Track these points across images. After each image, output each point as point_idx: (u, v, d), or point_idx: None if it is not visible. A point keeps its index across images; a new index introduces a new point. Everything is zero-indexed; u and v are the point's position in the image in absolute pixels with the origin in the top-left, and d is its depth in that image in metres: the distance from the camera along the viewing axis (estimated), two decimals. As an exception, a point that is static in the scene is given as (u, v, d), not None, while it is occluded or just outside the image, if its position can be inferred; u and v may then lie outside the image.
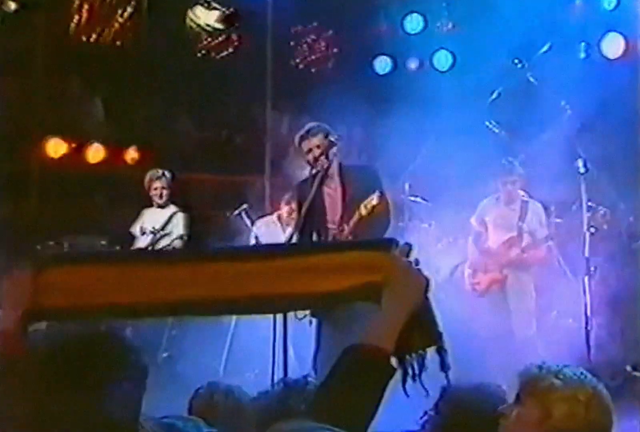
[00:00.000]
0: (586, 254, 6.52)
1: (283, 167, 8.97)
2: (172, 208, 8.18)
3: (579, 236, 6.70)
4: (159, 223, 8.06)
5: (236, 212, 8.41)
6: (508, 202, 7.60)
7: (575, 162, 6.72)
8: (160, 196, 8.15)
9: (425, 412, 2.91)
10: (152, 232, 7.95)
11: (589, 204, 6.95)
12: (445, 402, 2.87)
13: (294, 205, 7.86)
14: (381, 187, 6.00)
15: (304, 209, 5.85)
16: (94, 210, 9.13)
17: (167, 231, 7.99)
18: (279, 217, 8.22)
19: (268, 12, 10.00)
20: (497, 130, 8.82)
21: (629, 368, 6.96)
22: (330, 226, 6.11)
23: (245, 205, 8.43)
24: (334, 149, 6.03)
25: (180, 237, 7.98)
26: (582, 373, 2.46)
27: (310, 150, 6.00)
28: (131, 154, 9.49)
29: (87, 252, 2.32)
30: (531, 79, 8.64)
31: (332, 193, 6.15)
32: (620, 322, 7.15)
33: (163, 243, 7.94)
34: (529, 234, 7.43)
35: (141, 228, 8.11)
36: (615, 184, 7.32)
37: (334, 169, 6.12)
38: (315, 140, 6.00)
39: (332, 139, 6.04)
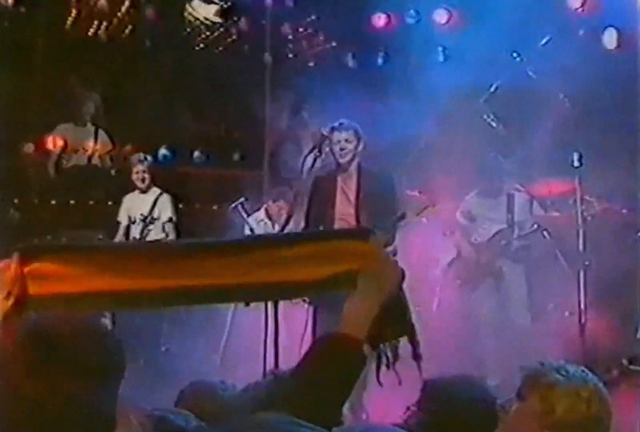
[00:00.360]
0: (581, 247, 6.56)
1: (281, 161, 8.98)
2: (154, 191, 8.24)
3: (576, 229, 6.73)
4: (146, 209, 8.11)
5: (233, 205, 8.45)
6: (496, 195, 7.66)
7: (570, 156, 6.75)
8: (142, 180, 8.22)
9: (408, 408, 2.92)
10: (142, 220, 7.99)
11: (586, 197, 6.98)
12: (427, 396, 2.89)
13: (281, 203, 7.96)
14: (394, 193, 6.57)
15: (307, 192, 6.11)
16: (91, 204, 9.14)
17: (154, 215, 8.05)
18: (267, 213, 8.24)
19: (266, 6, 9.98)
20: (494, 124, 8.80)
21: (625, 361, 6.97)
22: (337, 216, 6.42)
23: (242, 199, 8.46)
24: (360, 147, 6.51)
25: (170, 219, 8.06)
26: (583, 370, 2.52)
27: (338, 141, 6.43)
28: (129, 148, 9.49)
29: (75, 243, 2.31)
30: (529, 73, 8.62)
31: (346, 189, 6.51)
32: (617, 316, 7.15)
33: (153, 227, 8.00)
34: (519, 225, 7.49)
35: (129, 217, 8.15)
36: (613, 177, 7.31)
37: (354, 167, 6.55)
38: (345, 135, 6.45)
39: (361, 137, 6.52)
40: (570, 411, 2.42)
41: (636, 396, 5.92)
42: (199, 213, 9.20)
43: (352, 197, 6.47)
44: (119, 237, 8.10)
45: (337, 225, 6.32)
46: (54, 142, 9.17)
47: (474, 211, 7.69)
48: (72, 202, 9.04)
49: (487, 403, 2.80)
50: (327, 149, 6.48)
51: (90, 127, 9.34)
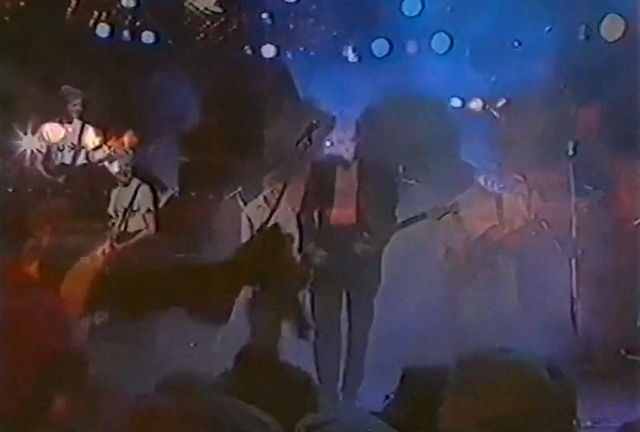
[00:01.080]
0: (574, 236, 6.57)
1: (275, 149, 8.97)
2: (135, 183, 8.28)
3: (573, 218, 6.73)
4: (127, 201, 8.15)
5: (231, 194, 8.52)
6: (487, 193, 7.77)
7: (566, 145, 6.76)
8: (125, 174, 8.25)
9: (387, 396, 2.90)
10: (122, 213, 8.04)
11: (585, 186, 6.99)
12: (406, 385, 2.87)
13: (277, 186, 8.01)
14: (394, 183, 6.81)
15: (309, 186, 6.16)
16: (89, 196, 9.13)
17: (134, 207, 8.08)
18: (265, 199, 8.26)
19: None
20: (496, 114, 8.78)
21: (623, 352, 6.96)
22: (336, 201, 6.56)
23: (240, 188, 8.52)
24: (362, 141, 6.71)
25: (148, 210, 8.09)
26: (521, 360, 2.30)
27: (342, 140, 6.61)
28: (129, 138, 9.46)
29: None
30: (530, 62, 8.59)
31: (346, 176, 6.60)
32: (615, 306, 7.14)
33: (132, 220, 8.03)
34: (510, 222, 7.52)
35: (116, 211, 8.20)
36: (611, 166, 7.32)
37: (356, 160, 6.68)
38: (350, 133, 6.64)
39: (362, 132, 6.74)
40: (499, 405, 2.20)
41: (636, 386, 5.90)
42: (197, 202, 9.19)
43: (354, 188, 6.53)
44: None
45: (335, 210, 6.38)
46: (39, 142, 9.14)
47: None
48: (68, 194, 9.00)
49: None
50: (328, 141, 6.56)
51: (78, 123, 9.30)
